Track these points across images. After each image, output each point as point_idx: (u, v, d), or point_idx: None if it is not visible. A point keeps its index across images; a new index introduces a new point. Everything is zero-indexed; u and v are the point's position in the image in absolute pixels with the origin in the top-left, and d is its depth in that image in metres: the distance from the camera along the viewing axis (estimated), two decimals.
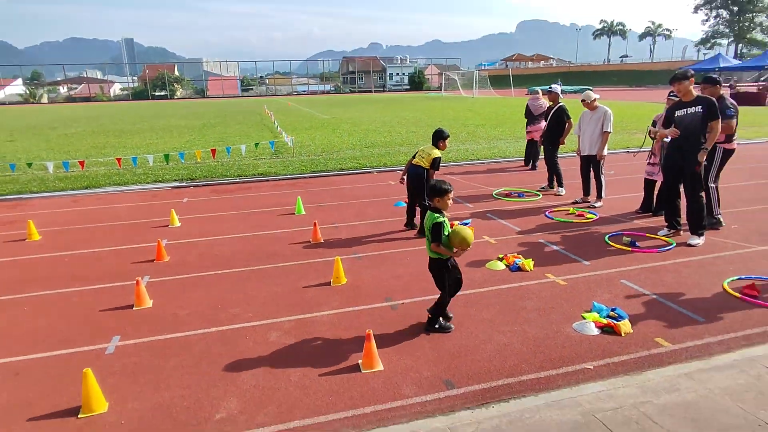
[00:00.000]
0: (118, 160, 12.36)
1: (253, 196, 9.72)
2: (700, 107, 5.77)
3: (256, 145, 14.84)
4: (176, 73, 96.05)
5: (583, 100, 7.95)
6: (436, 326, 4.16)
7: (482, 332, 4.10)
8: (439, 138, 6.66)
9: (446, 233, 3.94)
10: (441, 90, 67.22)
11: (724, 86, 6.43)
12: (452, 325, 4.19)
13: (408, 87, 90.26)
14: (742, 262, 5.43)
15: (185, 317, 4.55)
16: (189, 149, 15.12)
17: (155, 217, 8.17)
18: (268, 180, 11.21)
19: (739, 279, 4.96)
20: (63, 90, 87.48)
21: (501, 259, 5.61)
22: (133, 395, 3.40)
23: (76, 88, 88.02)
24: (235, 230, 7.30)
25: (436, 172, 6.65)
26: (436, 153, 6.57)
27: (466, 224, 6.98)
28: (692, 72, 6.01)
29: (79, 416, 3.17)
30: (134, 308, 4.75)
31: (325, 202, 8.89)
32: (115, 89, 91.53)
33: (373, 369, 3.59)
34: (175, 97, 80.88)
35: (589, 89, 10.85)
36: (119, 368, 3.74)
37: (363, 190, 9.94)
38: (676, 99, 6.82)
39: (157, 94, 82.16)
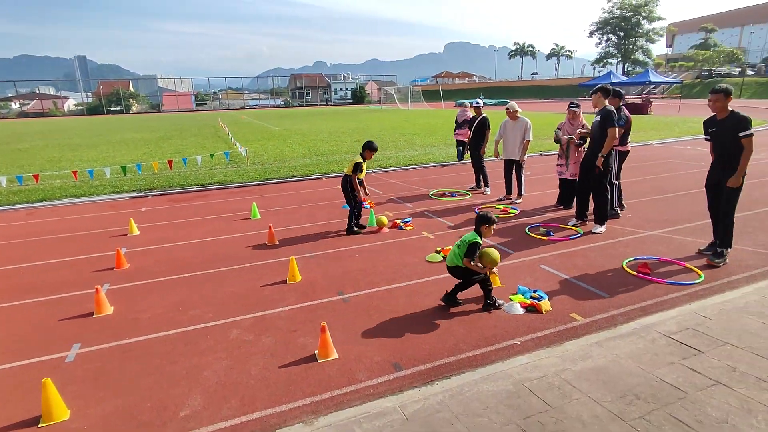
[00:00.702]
0: (74, 172, 11.47)
1: (210, 203, 9.30)
2: (599, 116, 6.07)
3: (212, 155, 14.26)
4: (131, 89, 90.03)
5: (507, 109, 8.23)
6: (496, 304, 4.24)
7: (425, 318, 4.12)
8: (366, 148, 6.59)
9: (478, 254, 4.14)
10: (380, 103, 67.34)
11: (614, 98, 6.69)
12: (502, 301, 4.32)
13: (351, 101, 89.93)
14: (636, 245, 5.79)
15: (146, 321, 4.27)
16: (146, 161, 14.28)
17: (114, 227, 7.62)
18: (224, 188, 10.77)
19: (634, 259, 5.28)
20: (15, 106, 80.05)
21: (439, 252, 5.67)
22: (96, 401, 3.13)
23: (29, 104, 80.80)
24: (193, 236, 6.95)
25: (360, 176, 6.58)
26: (357, 159, 6.54)
27: (406, 222, 7.03)
28: (603, 85, 6.14)
29: (39, 425, 2.89)
30: (94, 315, 4.39)
31: (279, 207, 8.66)
32: (69, 105, 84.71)
33: (328, 358, 3.52)
34: (131, 112, 76.22)
35: (508, 101, 11.24)
36: (80, 375, 3.44)
37: (313, 194, 9.77)
38: (575, 110, 7.20)
39: (112, 109, 76.87)
